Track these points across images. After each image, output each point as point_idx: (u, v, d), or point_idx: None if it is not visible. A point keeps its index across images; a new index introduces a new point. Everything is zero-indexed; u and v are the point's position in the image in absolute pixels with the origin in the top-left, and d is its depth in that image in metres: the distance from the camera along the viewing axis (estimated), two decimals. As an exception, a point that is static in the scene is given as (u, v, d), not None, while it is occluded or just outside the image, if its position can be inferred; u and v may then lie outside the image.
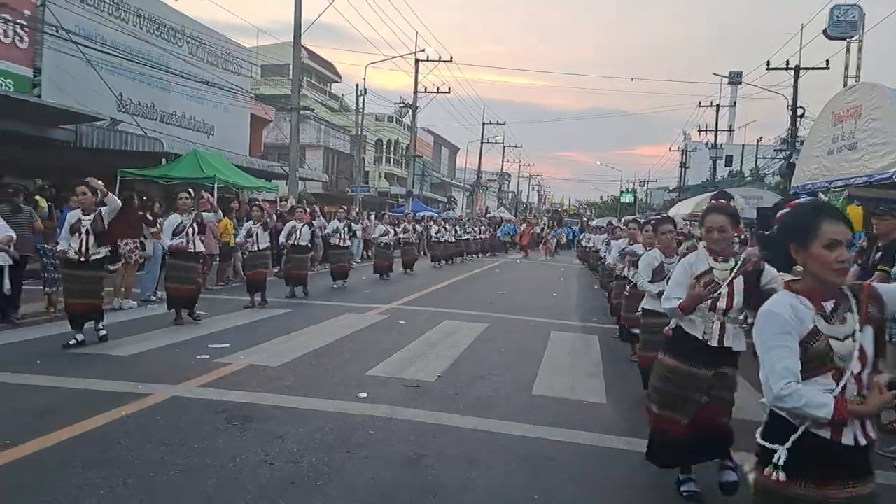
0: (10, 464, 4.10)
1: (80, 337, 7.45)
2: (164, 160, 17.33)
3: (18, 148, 15.24)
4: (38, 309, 9.32)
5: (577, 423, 5.65)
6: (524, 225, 37.30)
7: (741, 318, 4.05)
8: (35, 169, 16.50)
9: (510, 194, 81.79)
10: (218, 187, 16.01)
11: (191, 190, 9.79)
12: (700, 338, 4.09)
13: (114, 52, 17.16)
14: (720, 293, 4.01)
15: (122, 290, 10.55)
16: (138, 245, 10.71)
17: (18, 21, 15.06)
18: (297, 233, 12.70)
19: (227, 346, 7.78)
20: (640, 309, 6.18)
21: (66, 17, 16.06)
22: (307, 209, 14.07)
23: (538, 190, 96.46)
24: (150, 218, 11.27)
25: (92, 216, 7.50)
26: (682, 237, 7.03)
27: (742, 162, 38.88)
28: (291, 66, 23.89)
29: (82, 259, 7.43)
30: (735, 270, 4.06)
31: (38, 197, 12.46)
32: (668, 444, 4.26)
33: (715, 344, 4.06)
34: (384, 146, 49.19)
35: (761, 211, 13.91)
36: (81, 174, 8.03)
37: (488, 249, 32.80)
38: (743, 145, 40.87)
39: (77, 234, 7.46)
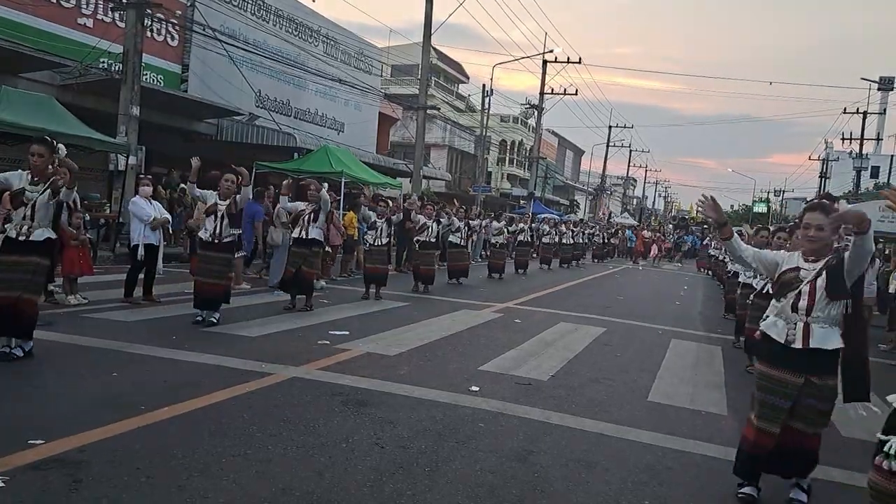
0: (143, 428, 4.40)
1: (205, 314, 7.91)
2: (296, 154, 18.14)
3: (167, 140, 16.39)
4: (173, 290, 9.96)
5: (694, 432, 5.43)
6: (641, 232, 36.55)
7: (826, 314, 3.82)
8: (179, 160, 17.69)
9: (635, 200, 79.72)
10: (345, 182, 16.55)
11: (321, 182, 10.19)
12: (782, 342, 3.92)
13: (254, 51, 18.13)
14: (800, 291, 3.86)
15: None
16: None
17: (171, 20, 16.20)
18: (428, 230, 12.94)
19: (347, 333, 8.03)
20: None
21: (212, 17, 17.12)
22: (435, 207, 14.30)
23: (664, 196, 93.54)
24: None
25: (228, 201, 7.97)
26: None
27: (890, 173, 36.29)
28: (420, 66, 24.38)
29: (215, 241, 7.92)
30: (819, 269, 3.85)
31: (182, 185, 13.39)
32: (755, 456, 4.07)
33: (800, 346, 3.85)
34: (508, 147, 49.20)
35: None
36: (222, 166, 8.54)
37: (607, 255, 32.16)
38: (892, 155, 38.03)
39: (213, 217, 7.95)
